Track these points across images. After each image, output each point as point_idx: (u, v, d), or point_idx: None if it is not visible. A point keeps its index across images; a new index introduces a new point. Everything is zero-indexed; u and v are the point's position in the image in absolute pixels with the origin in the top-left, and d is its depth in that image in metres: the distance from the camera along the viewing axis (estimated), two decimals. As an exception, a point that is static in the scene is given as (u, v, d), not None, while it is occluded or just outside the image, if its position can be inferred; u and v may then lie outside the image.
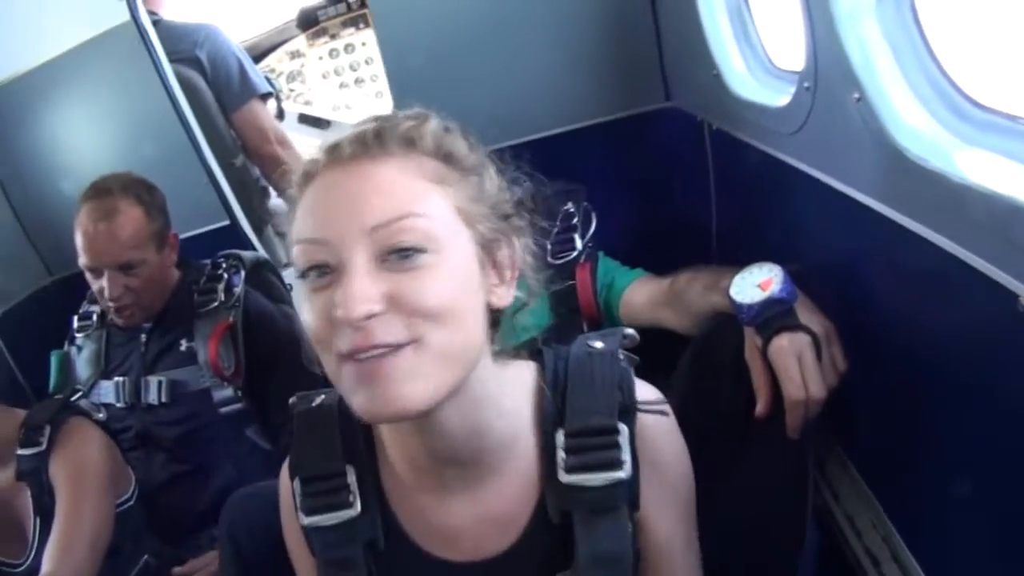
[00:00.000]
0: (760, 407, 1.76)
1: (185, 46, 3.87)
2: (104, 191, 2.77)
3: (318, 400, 1.51)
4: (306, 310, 1.23)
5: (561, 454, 1.36)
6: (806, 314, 1.77)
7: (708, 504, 1.55)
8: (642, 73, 3.24)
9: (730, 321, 1.86)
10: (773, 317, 1.75)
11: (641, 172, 3.22)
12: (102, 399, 2.93)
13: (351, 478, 1.42)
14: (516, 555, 1.42)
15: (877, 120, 1.54)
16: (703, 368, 1.94)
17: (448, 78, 3.20)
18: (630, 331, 1.48)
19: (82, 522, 2.31)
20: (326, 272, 1.20)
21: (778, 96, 2.12)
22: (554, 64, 3.23)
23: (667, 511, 1.44)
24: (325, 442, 1.45)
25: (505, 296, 1.34)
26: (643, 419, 1.39)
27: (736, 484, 1.77)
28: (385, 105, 4.90)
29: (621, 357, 1.43)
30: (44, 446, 2.38)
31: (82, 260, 2.76)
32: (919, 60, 1.56)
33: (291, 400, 1.54)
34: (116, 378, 2.94)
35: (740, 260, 1.91)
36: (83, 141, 3.67)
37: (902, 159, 1.48)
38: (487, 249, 1.30)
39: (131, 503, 2.59)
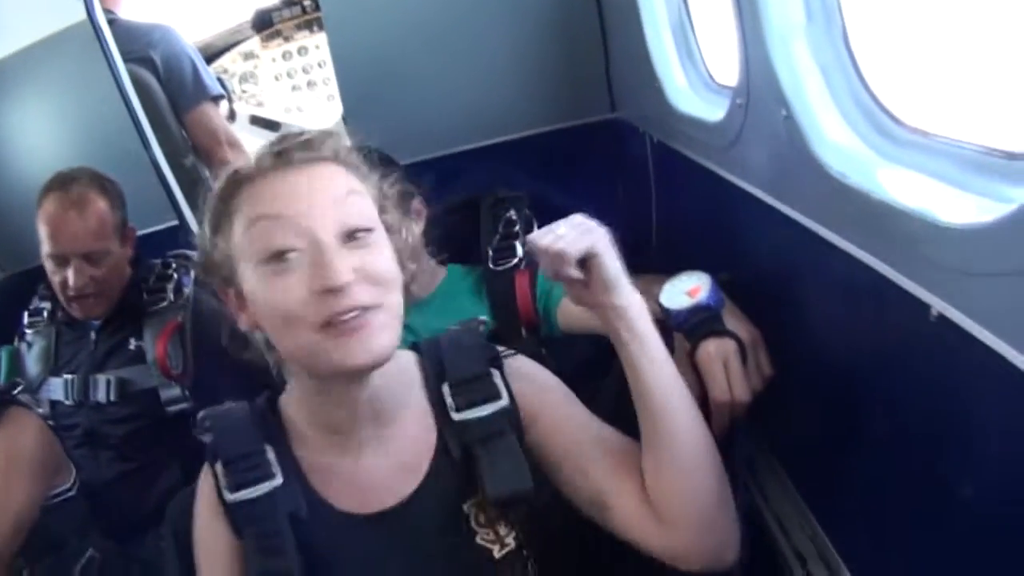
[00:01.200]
0: None
1: (139, 46, 3.87)
2: (71, 180, 2.79)
3: (227, 406, 1.68)
4: (270, 293, 1.40)
5: (449, 400, 1.59)
6: (733, 321, 1.82)
7: None
8: (589, 84, 3.31)
9: (660, 327, 1.92)
10: (700, 323, 1.81)
11: (585, 181, 3.27)
12: (51, 395, 2.94)
13: (270, 455, 1.56)
14: (424, 493, 1.58)
15: (802, 137, 1.62)
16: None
17: (397, 85, 3.26)
18: (483, 318, 1.84)
19: (7, 502, 2.32)
20: (289, 258, 1.39)
21: (716, 111, 2.18)
22: (502, 73, 3.29)
23: (558, 410, 1.62)
24: (243, 429, 1.60)
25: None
26: (508, 364, 1.63)
27: None
28: (337, 109, 4.91)
29: (482, 333, 1.76)
30: None
31: (47, 248, 2.76)
32: (847, 79, 1.64)
33: (200, 414, 1.68)
34: (65, 375, 2.93)
35: (677, 269, 1.96)
36: (35, 138, 3.66)
37: (824, 175, 1.56)
38: (391, 234, 1.52)
39: (71, 494, 2.57)
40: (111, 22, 3.68)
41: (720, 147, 2.12)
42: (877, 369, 1.59)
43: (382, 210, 1.52)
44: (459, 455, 1.56)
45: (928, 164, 1.43)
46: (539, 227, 2.69)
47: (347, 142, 1.56)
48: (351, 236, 1.41)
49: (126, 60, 3.60)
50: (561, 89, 3.33)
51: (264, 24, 5.56)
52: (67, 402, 2.93)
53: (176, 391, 2.85)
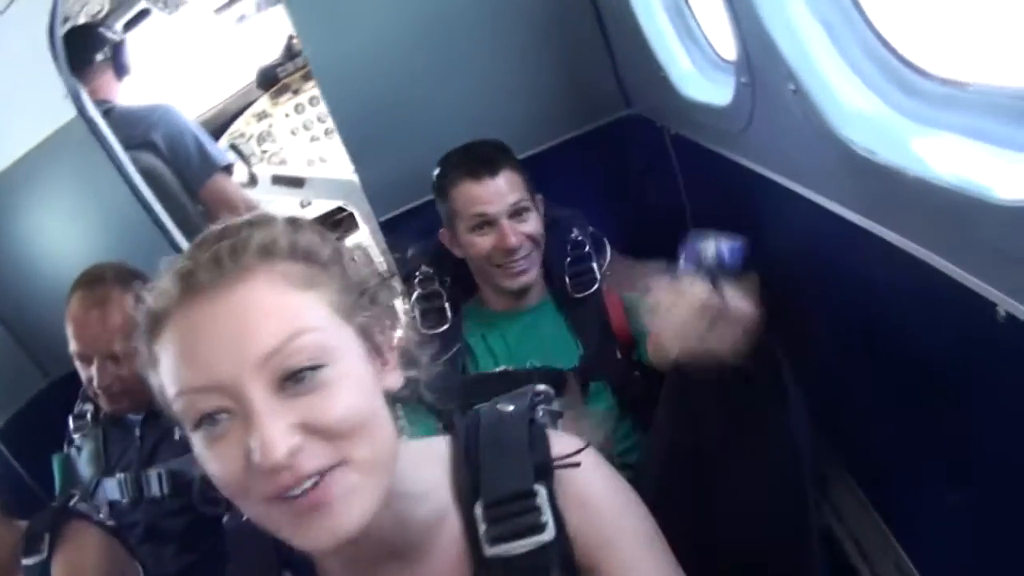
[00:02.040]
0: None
1: (140, 131, 3.87)
2: (97, 279, 2.78)
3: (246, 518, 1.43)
4: (209, 462, 1.14)
5: (482, 527, 1.32)
6: (738, 298, 1.65)
7: (708, 531, 1.53)
8: (599, 85, 3.20)
9: None
10: (706, 268, 1.67)
11: (615, 184, 3.19)
12: (108, 497, 2.91)
13: None
14: None
15: (817, 112, 1.45)
16: (683, 397, 1.82)
17: (401, 124, 3.17)
18: (542, 387, 1.46)
19: None
20: (219, 420, 1.12)
21: (726, 92, 2.02)
22: (508, 91, 3.20)
23: (619, 553, 1.37)
24: (260, 553, 1.40)
25: (395, 379, 1.29)
26: (561, 475, 1.35)
27: (734, 510, 1.69)
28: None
29: (539, 414, 1.42)
30: (45, 554, 2.35)
31: (72, 347, 2.76)
32: (856, 34, 1.47)
33: (224, 519, 1.49)
34: (118, 474, 2.90)
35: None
36: (55, 240, 3.67)
37: (849, 153, 1.39)
38: (367, 338, 1.24)
39: (139, 597, 2.56)
40: (108, 112, 3.70)
41: (734, 133, 1.98)
42: (944, 376, 1.42)
43: (347, 311, 1.22)
44: None
45: (969, 123, 1.23)
46: (609, 242, 2.65)
47: (285, 224, 1.23)
48: (290, 380, 1.12)
49: (129, 147, 3.58)
50: (572, 95, 3.22)
51: (270, 81, 5.52)
52: (124, 501, 2.89)
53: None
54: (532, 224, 2.56)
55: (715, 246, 1.67)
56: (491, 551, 1.31)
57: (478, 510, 1.32)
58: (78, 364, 2.80)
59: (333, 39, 3.18)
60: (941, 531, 1.58)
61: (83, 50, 3.92)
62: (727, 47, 2.30)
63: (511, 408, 1.41)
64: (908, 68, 1.40)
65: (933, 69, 1.37)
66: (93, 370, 2.73)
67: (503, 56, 3.15)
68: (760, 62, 1.64)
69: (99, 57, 4.07)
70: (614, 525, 1.36)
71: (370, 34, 3.15)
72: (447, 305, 2.67)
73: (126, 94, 4.19)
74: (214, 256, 1.15)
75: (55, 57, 3.32)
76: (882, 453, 1.80)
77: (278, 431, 1.08)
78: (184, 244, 3.52)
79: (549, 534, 1.30)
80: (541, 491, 1.32)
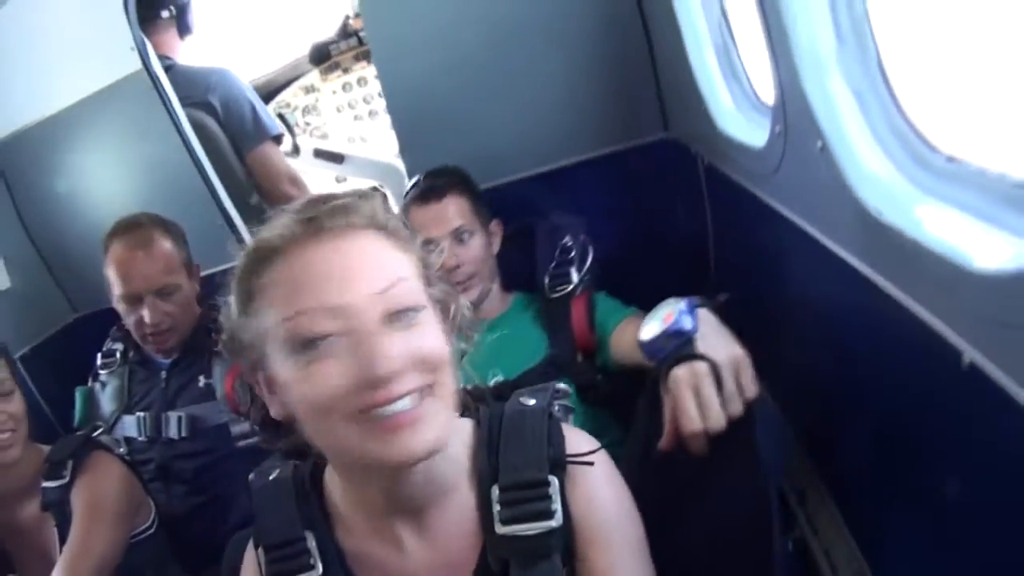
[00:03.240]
0: (662, 441, 1.73)
1: (198, 91, 3.98)
2: (135, 224, 2.94)
3: (274, 474, 1.60)
4: (302, 383, 1.31)
5: (496, 507, 1.45)
6: (712, 343, 1.73)
7: (676, 536, 1.61)
8: (640, 105, 3.30)
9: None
10: (672, 350, 1.74)
11: (641, 203, 3.28)
12: (125, 433, 3.06)
13: (311, 543, 1.50)
14: None
15: (838, 170, 1.59)
16: (655, 405, 1.88)
17: (449, 116, 3.30)
18: (562, 386, 1.60)
19: (91, 546, 2.42)
20: (326, 342, 1.29)
21: (762, 134, 2.14)
22: (553, 99, 3.30)
23: (608, 553, 1.48)
24: (284, 512, 1.52)
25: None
26: (573, 470, 1.47)
27: (700, 517, 1.76)
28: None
29: (556, 409, 1.55)
30: (67, 479, 2.50)
31: (120, 290, 2.89)
32: (882, 106, 1.60)
33: (249, 476, 1.64)
34: (138, 413, 3.06)
35: (733, 292, 1.96)
36: (102, 185, 3.80)
37: (861, 210, 1.53)
38: (441, 307, 1.44)
39: (151, 531, 2.68)
40: (169, 68, 3.81)
41: (764, 174, 2.10)
42: (911, 411, 1.56)
43: (427, 282, 1.42)
44: (498, 569, 1.45)
45: (965, 198, 1.38)
46: (596, 250, 2.77)
47: (384, 202, 1.43)
48: (397, 317, 1.30)
49: (185, 105, 3.71)
50: (613, 111, 3.32)
51: (322, 57, 5.61)
52: (140, 439, 3.05)
53: (246, 426, 2.89)
54: (474, 248, 2.75)
55: (666, 328, 1.76)
56: (502, 529, 1.44)
57: (495, 492, 1.45)
58: (123, 307, 2.92)
59: (396, 29, 3.29)
60: (905, 551, 1.70)
61: (150, 5, 4.01)
62: (767, 91, 2.44)
63: (532, 402, 1.54)
64: (921, 141, 1.54)
65: (941, 145, 1.50)
66: (144, 311, 2.86)
67: (553, 67, 3.26)
68: (794, 116, 1.78)
69: (164, 14, 4.16)
70: (612, 526, 1.49)
71: (433, 29, 3.26)
72: None
73: (186, 53, 4.28)
74: (333, 208, 1.35)
75: (126, 8, 3.43)
76: (856, 473, 1.93)
77: (392, 348, 1.27)
78: (228, 204, 3.66)
79: (556, 521, 1.43)
80: (554, 482, 1.44)
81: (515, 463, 1.46)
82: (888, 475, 1.72)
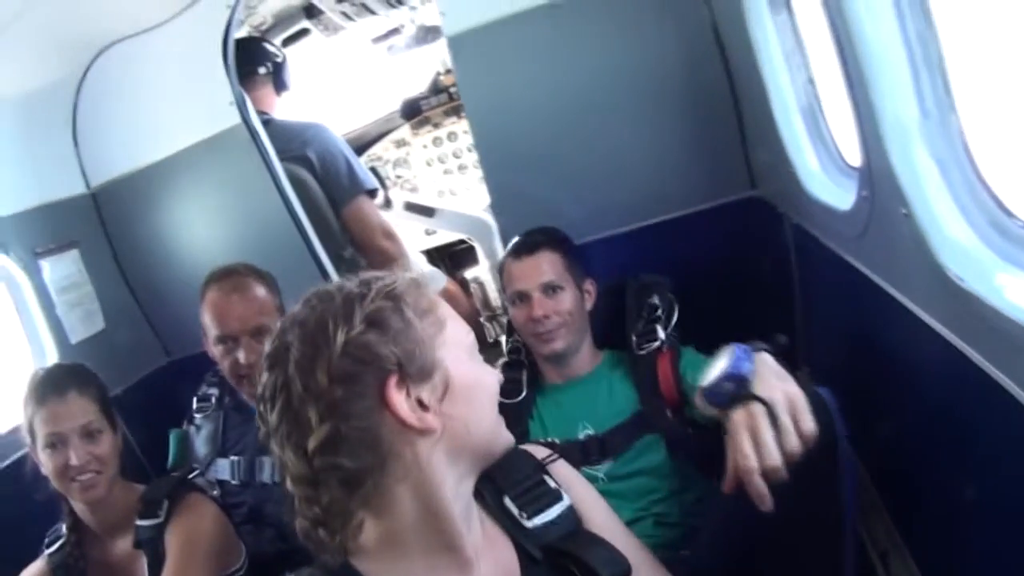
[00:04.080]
0: (725, 484, 1.73)
1: (295, 145, 4.09)
2: (231, 271, 3.02)
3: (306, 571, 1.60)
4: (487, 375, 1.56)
5: (515, 511, 1.64)
6: (768, 384, 1.75)
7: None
8: (727, 163, 3.36)
9: None
10: (731, 393, 1.77)
11: (728, 262, 3.29)
12: (218, 476, 3.12)
13: None
14: None
15: (922, 236, 1.63)
16: None
17: (540, 173, 3.38)
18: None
19: None
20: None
21: (847, 197, 2.18)
22: (642, 158, 3.38)
23: (603, 514, 1.75)
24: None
25: None
26: (552, 467, 1.72)
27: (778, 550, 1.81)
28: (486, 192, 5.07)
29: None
30: (162, 518, 2.55)
31: (215, 331, 2.95)
32: (963, 175, 1.64)
33: None
34: (232, 457, 3.11)
35: (819, 355, 1.97)
36: (199, 234, 3.94)
37: (943, 276, 1.56)
38: None
39: (241, 573, 2.71)
40: (267, 123, 3.93)
41: (851, 237, 2.13)
42: (991, 477, 1.59)
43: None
44: (541, 557, 1.59)
45: None
46: (682, 307, 2.80)
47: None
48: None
49: (283, 159, 3.83)
50: (700, 169, 3.38)
51: (413, 112, 5.75)
52: (233, 482, 3.10)
53: (337, 472, 2.96)
54: (564, 302, 2.80)
55: (721, 373, 1.80)
56: (531, 523, 1.63)
57: (507, 501, 1.64)
58: (219, 350, 2.97)
59: (489, 87, 3.41)
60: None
61: (248, 61, 4.17)
62: (852, 153, 2.46)
63: None
64: (1001, 209, 1.57)
65: (1022, 212, 1.55)
66: (240, 352, 2.92)
67: (643, 126, 3.33)
68: (879, 182, 1.82)
69: (262, 71, 4.33)
70: (591, 498, 1.76)
71: (525, 88, 3.37)
72: (524, 379, 2.92)
73: (282, 108, 4.44)
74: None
75: (226, 64, 3.59)
76: (939, 534, 1.94)
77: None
78: (324, 256, 3.76)
79: (567, 499, 1.67)
80: (547, 478, 1.69)
81: (511, 477, 1.67)
82: (964, 534, 1.74)
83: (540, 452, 1.75)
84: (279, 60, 4.49)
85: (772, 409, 1.70)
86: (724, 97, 3.27)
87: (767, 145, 2.89)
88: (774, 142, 2.74)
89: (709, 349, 2.68)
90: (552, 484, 1.68)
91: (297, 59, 5.04)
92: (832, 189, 2.45)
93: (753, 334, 2.11)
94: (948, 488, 1.80)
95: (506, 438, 1.55)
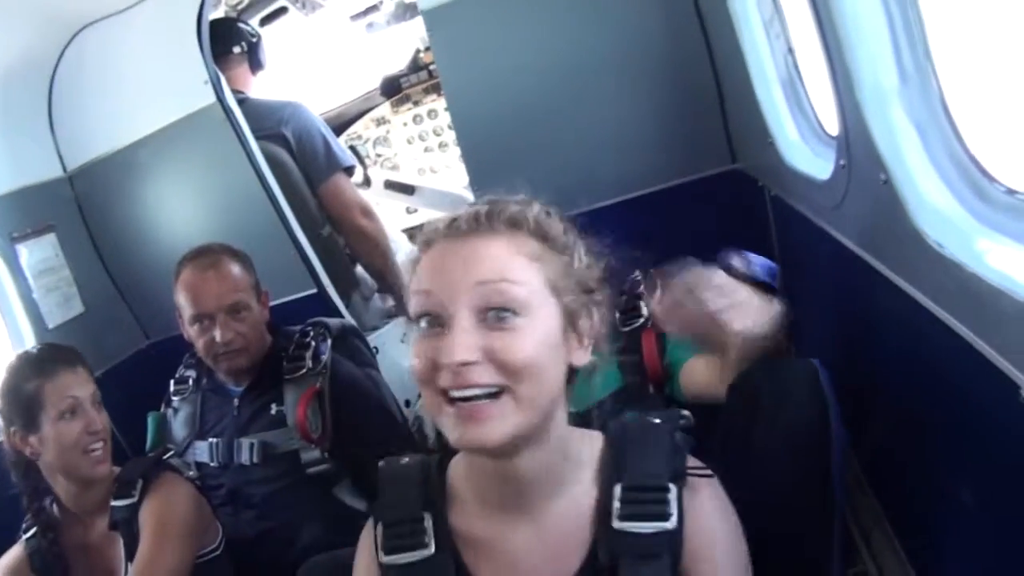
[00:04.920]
0: None
1: (271, 123, 4.06)
2: (205, 250, 2.97)
3: (404, 460, 1.67)
4: (414, 352, 1.44)
5: (616, 504, 1.50)
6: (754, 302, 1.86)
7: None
8: (707, 137, 3.34)
9: (762, 367, 1.93)
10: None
11: (708, 234, 3.20)
12: (197, 458, 3.08)
13: (427, 523, 1.57)
14: None
15: (901, 203, 1.61)
16: (736, 413, 1.98)
17: (518, 149, 3.34)
18: (686, 413, 1.61)
19: (158, 564, 2.44)
20: (435, 323, 1.40)
21: (826, 167, 2.17)
22: (622, 132, 3.35)
23: (714, 570, 1.52)
24: (406, 492, 1.61)
25: (583, 357, 1.52)
26: (692, 483, 1.52)
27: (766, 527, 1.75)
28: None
29: (677, 433, 1.57)
30: (136, 498, 2.54)
31: (192, 310, 2.91)
32: (944, 140, 1.62)
33: (380, 463, 1.70)
34: (210, 439, 3.08)
35: (800, 325, 1.96)
36: (175, 214, 3.91)
37: (923, 243, 1.54)
38: (571, 318, 1.48)
39: (218, 553, 2.71)
40: (242, 102, 3.90)
41: (829, 207, 2.11)
42: (967, 443, 1.58)
43: (560, 291, 1.46)
44: (607, 563, 1.49)
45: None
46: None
47: (540, 210, 1.51)
48: (491, 313, 1.38)
49: (259, 137, 3.80)
50: (680, 143, 3.36)
51: (393, 90, 5.73)
52: (212, 464, 3.06)
53: (315, 453, 2.95)
54: None
55: (746, 257, 1.89)
56: (619, 525, 1.49)
57: (617, 490, 1.51)
58: (194, 330, 2.93)
59: (466, 63, 3.37)
60: None
61: (223, 41, 4.12)
62: (833, 122, 2.44)
63: (659, 421, 1.59)
64: (981, 174, 1.56)
65: (1002, 177, 1.53)
66: (216, 330, 2.88)
67: (622, 101, 3.31)
68: (858, 149, 1.80)
69: (236, 50, 4.27)
70: (721, 545, 1.54)
71: (503, 65, 3.33)
72: None
73: (258, 87, 4.38)
74: (475, 214, 1.46)
75: (201, 44, 3.55)
76: (917, 508, 1.94)
77: (464, 341, 1.36)
78: (301, 235, 3.73)
79: (672, 524, 1.48)
80: (673, 489, 1.50)
81: (639, 467, 1.52)
82: (947, 508, 1.72)
83: (693, 460, 1.56)
84: (254, 39, 4.44)
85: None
86: (704, 70, 3.25)
87: (747, 117, 2.87)
88: (754, 114, 2.72)
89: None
90: (672, 499, 1.49)
91: (275, 38, 5.02)
92: (811, 159, 2.44)
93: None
94: (932, 463, 1.79)
95: (456, 438, 1.42)
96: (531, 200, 1.53)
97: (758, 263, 1.91)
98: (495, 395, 1.38)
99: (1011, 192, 1.49)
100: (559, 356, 1.46)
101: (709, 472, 1.55)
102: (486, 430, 1.38)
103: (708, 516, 1.52)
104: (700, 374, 2.33)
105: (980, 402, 1.47)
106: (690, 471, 1.52)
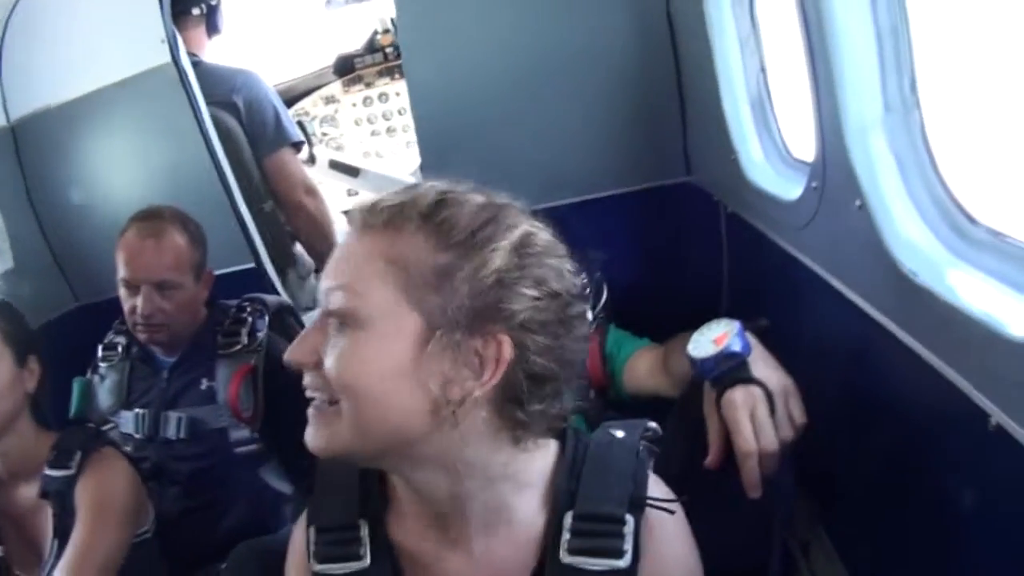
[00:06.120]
0: (710, 458, 1.73)
1: (223, 90, 3.98)
2: (155, 214, 2.86)
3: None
4: None
5: (566, 535, 1.36)
6: (763, 369, 1.73)
7: None
8: (664, 147, 3.33)
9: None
10: (727, 371, 1.73)
11: (657, 245, 3.30)
12: (121, 429, 2.99)
13: (364, 532, 1.44)
14: None
15: (875, 229, 1.62)
16: (679, 430, 1.89)
17: (474, 140, 3.31)
18: (653, 424, 1.52)
19: (96, 548, 2.36)
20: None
21: (791, 188, 2.18)
22: (579, 133, 3.33)
23: None
24: (344, 495, 1.48)
25: (474, 389, 1.27)
26: (651, 514, 1.39)
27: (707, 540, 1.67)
28: (415, 156, 4.98)
29: (640, 449, 1.45)
30: (73, 470, 2.43)
31: (121, 274, 2.82)
32: (922, 173, 1.63)
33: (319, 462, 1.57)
34: (136, 410, 2.99)
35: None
36: (117, 175, 3.80)
37: (895, 270, 1.56)
38: (460, 339, 1.26)
39: (148, 535, 2.62)
40: (195, 65, 3.80)
41: (794, 227, 2.12)
42: (934, 469, 1.59)
43: (422, 301, 1.25)
44: None
45: (999, 268, 1.42)
46: (612, 287, 2.77)
47: (433, 200, 1.28)
48: (332, 318, 1.27)
49: (209, 103, 3.71)
50: (637, 151, 3.35)
51: (346, 69, 5.68)
52: (137, 436, 2.97)
53: (245, 433, 2.90)
54: None
55: (723, 349, 1.74)
56: (567, 559, 1.36)
57: (567, 519, 1.37)
58: (123, 293, 2.85)
59: (431, 49, 3.32)
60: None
61: (183, 0, 4.03)
62: (796, 147, 2.46)
63: (621, 435, 1.47)
64: (958, 210, 1.58)
65: (978, 215, 1.55)
66: (139, 299, 2.80)
67: (583, 101, 3.28)
68: (834, 173, 1.81)
69: (196, 11, 4.17)
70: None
71: (468, 53, 3.30)
72: None
73: (213, 52, 4.29)
74: (371, 207, 1.31)
75: (161, 1, 3.44)
76: (863, 525, 1.94)
77: (300, 344, 1.31)
78: (243, 208, 3.66)
79: (624, 563, 1.34)
80: (630, 522, 1.36)
81: (595, 494, 1.39)
82: (903, 533, 1.73)
83: (659, 489, 1.43)
84: (214, 2, 4.33)
85: (770, 396, 1.69)
86: (669, 80, 3.24)
87: (709, 131, 2.87)
88: (717, 129, 2.73)
89: (632, 327, 2.70)
90: (628, 533, 1.35)
91: (233, 4, 4.91)
92: (775, 179, 2.45)
93: (678, 316, 2.10)
94: (889, 480, 1.80)
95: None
96: (431, 187, 1.34)
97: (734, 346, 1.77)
98: (335, 402, 1.28)
99: (989, 231, 1.52)
100: (412, 383, 1.25)
101: (672, 506, 1.41)
102: (310, 437, 1.32)
103: (665, 557, 1.40)
104: (645, 368, 2.37)
105: (950, 430, 1.49)
106: (650, 502, 1.39)
